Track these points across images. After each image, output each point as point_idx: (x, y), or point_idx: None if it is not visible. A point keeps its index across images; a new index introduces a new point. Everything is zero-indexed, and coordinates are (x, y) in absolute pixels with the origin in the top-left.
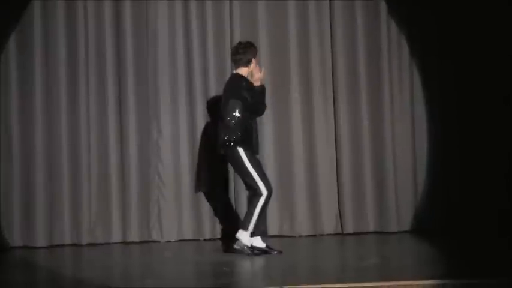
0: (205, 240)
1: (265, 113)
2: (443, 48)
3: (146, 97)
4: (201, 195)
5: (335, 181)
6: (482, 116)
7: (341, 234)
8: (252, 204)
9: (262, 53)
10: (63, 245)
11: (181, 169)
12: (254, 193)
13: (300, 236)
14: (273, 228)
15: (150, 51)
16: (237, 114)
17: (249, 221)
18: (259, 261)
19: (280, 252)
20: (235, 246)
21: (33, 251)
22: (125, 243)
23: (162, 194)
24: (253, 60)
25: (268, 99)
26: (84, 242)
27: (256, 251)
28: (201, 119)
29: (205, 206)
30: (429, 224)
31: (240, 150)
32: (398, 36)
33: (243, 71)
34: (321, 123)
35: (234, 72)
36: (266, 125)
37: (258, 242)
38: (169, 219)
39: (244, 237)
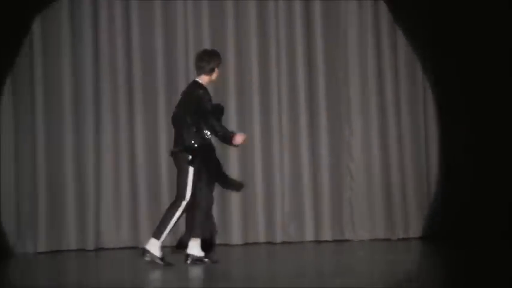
0: (398, 240)
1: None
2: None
3: (337, 96)
4: (393, 193)
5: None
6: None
7: None
8: (169, 212)
9: None
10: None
11: (372, 168)
12: (176, 199)
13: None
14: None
15: (340, 52)
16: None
17: (163, 230)
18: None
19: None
20: (146, 258)
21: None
22: (317, 241)
23: (354, 192)
24: (216, 70)
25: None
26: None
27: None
28: (392, 117)
29: (397, 204)
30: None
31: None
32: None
33: (204, 79)
34: None
35: (196, 80)
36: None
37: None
38: (361, 218)
39: (154, 246)
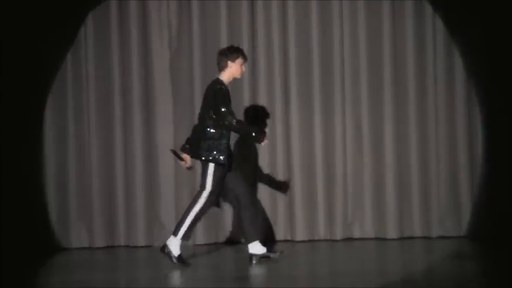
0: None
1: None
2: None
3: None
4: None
5: None
6: None
7: None
8: (188, 207)
9: None
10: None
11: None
12: (198, 192)
13: None
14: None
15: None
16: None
17: (181, 227)
18: None
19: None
20: (166, 251)
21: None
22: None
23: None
24: (233, 64)
25: None
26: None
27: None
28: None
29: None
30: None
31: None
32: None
33: (223, 75)
34: None
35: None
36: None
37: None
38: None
39: (173, 244)
